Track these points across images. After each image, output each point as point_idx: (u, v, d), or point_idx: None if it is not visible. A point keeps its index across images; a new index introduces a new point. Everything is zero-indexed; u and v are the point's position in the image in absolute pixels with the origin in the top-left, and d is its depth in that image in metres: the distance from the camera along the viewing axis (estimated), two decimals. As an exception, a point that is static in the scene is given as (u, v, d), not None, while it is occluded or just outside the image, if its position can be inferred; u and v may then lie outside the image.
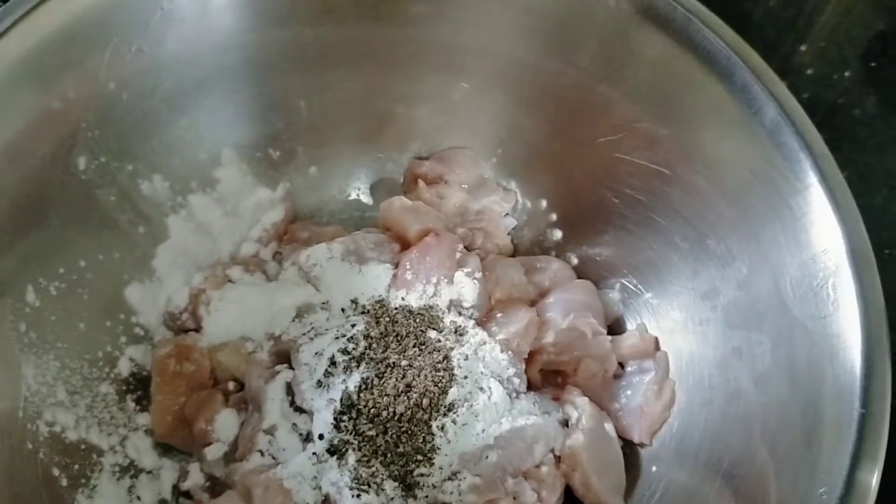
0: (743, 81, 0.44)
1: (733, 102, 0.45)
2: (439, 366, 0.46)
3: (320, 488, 0.44)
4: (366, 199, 0.59)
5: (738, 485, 0.43)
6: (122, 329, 0.51)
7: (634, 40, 0.48)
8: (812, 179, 0.42)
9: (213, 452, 0.47)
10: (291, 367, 0.48)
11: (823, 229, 0.41)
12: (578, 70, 0.50)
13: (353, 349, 0.47)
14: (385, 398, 0.45)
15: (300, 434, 0.46)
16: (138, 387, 0.51)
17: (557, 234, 0.56)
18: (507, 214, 0.57)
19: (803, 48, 0.70)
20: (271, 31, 0.51)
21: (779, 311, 0.43)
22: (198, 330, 0.51)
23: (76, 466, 0.47)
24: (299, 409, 0.47)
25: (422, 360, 0.46)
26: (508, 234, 0.57)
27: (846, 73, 0.68)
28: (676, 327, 0.50)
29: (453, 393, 0.45)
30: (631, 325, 0.52)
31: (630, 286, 0.53)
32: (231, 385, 0.50)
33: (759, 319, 0.45)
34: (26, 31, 0.44)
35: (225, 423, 0.48)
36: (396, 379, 0.45)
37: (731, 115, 0.45)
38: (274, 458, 0.46)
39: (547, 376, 0.51)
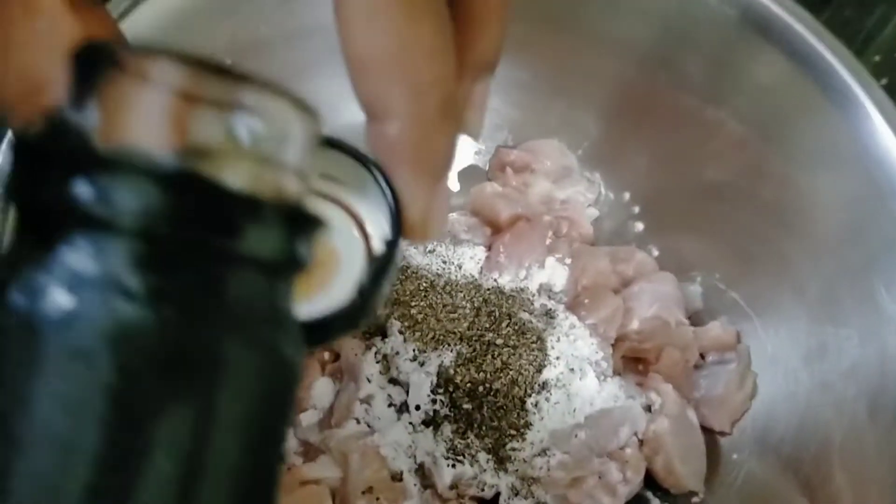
0: (847, 92, 0.46)
1: (835, 110, 0.46)
2: (534, 346, 0.48)
3: (415, 457, 0.46)
4: (452, 185, 0.61)
5: (819, 480, 0.45)
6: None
7: (737, 48, 0.49)
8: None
9: (309, 419, 0.49)
10: (385, 340, 0.50)
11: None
12: (676, 75, 0.52)
13: (449, 326, 0.48)
14: (481, 374, 0.46)
15: (394, 405, 0.48)
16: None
17: (639, 226, 0.57)
18: (590, 205, 0.58)
19: (877, 59, 0.71)
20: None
21: (869, 305, 0.45)
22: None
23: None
24: (393, 381, 0.48)
25: (516, 340, 0.48)
26: (591, 224, 0.58)
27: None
28: (760, 322, 0.51)
29: (547, 373, 0.47)
30: (712, 319, 0.54)
31: (712, 281, 0.54)
32: (326, 355, 0.51)
33: (848, 314, 0.46)
34: (148, 11, 0.45)
35: (321, 390, 0.49)
36: (492, 356, 0.47)
37: (832, 125, 0.46)
38: (370, 426, 0.47)
39: (629, 363, 0.53)
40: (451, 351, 0.47)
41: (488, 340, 0.48)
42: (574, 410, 0.47)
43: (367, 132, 0.23)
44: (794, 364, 0.49)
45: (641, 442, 0.49)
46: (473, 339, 0.48)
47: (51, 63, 0.19)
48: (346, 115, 0.56)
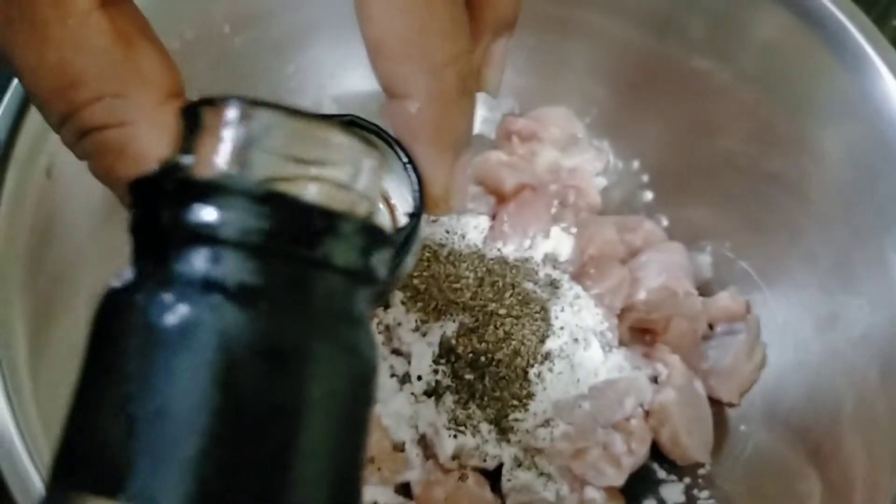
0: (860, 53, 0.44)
1: (847, 72, 0.45)
2: (537, 315, 0.47)
3: (417, 428, 0.45)
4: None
5: (830, 449, 0.44)
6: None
7: (742, 6, 0.48)
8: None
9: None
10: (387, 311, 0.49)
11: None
12: (682, 39, 0.51)
13: (451, 295, 0.48)
14: (484, 344, 0.46)
15: (396, 376, 0.47)
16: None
17: (648, 196, 0.56)
18: (598, 174, 0.57)
19: (896, 23, 0.69)
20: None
21: (880, 272, 0.43)
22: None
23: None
24: (395, 351, 0.48)
25: (519, 310, 0.47)
26: (598, 193, 0.57)
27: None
28: (770, 292, 0.50)
29: (550, 343, 0.46)
30: (721, 289, 0.53)
31: (721, 250, 0.53)
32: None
33: (858, 282, 0.45)
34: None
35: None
36: (495, 326, 0.46)
37: (844, 87, 0.45)
38: (372, 397, 0.47)
39: (636, 334, 0.52)
40: (454, 321, 0.47)
41: (491, 310, 0.47)
42: (578, 381, 0.46)
43: (388, 110, 0.24)
44: (804, 334, 0.48)
45: (647, 413, 0.48)
46: (476, 309, 0.47)
47: (84, 59, 0.21)
48: (346, 82, 0.56)
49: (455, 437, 0.44)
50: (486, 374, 0.45)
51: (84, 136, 0.22)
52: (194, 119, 0.17)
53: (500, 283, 0.48)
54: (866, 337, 0.44)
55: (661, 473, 0.48)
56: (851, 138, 0.47)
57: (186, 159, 0.17)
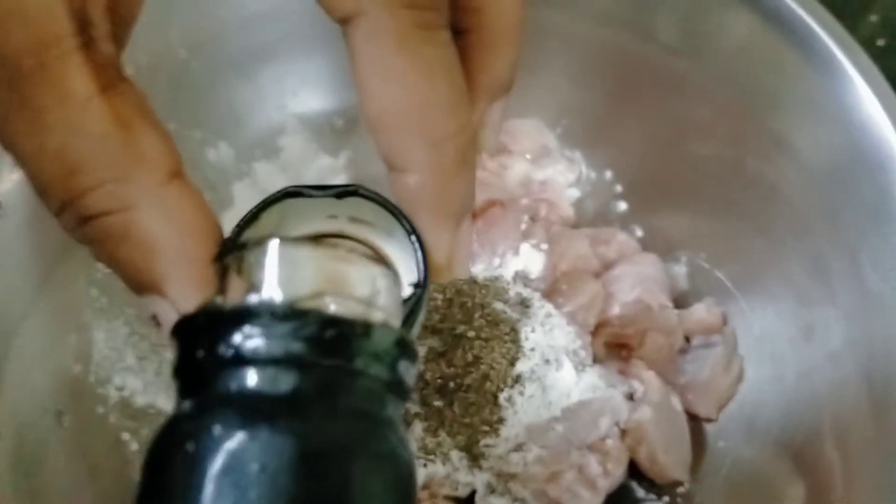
0: (829, 56, 0.43)
1: (817, 76, 0.44)
2: (507, 338, 0.46)
3: (387, 457, 0.44)
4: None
5: (809, 463, 0.43)
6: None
7: (710, 9, 0.47)
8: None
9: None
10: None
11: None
12: (652, 42, 0.50)
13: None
14: (452, 369, 0.45)
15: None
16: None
17: (622, 206, 0.55)
18: (570, 186, 0.56)
19: (874, 18, 0.68)
20: None
21: (855, 284, 0.42)
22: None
23: (145, 431, 0.47)
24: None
25: (489, 332, 0.46)
26: (571, 205, 0.56)
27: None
28: (746, 303, 0.49)
29: (521, 365, 0.45)
30: (697, 301, 0.52)
31: (697, 261, 0.52)
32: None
33: (834, 293, 0.44)
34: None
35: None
36: (464, 350, 0.45)
37: (814, 91, 0.44)
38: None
39: (610, 350, 0.51)
40: (423, 346, 0.46)
41: (460, 333, 0.46)
42: (550, 403, 0.45)
43: (389, 182, 0.24)
44: (781, 346, 0.47)
45: (624, 432, 0.47)
46: (445, 332, 0.46)
47: (85, 146, 0.21)
48: (310, 100, 0.55)
49: (425, 465, 0.43)
50: (454, 401, 0.44)
51: (85, 223, 0.22)
52: (225, 265, 0.20)
53: (470, 304, 0.47)
54: (843, 349, 0.43)
55: (640, 492, 0.47)
56: (825, 144, 0.46)
57: (221, 299, 0.19)
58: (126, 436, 0.46)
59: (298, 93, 0.53)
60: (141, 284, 0.23)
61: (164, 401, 0.49)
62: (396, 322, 0.20)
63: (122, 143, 0.22)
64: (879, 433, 0.41)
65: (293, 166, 0.55)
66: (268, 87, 0.52)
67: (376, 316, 0.19)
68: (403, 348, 0.19)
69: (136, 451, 0.46)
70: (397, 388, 0.19)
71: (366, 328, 0.18)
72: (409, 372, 0.19)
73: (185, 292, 0.22)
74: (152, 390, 0.48)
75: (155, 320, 0.24)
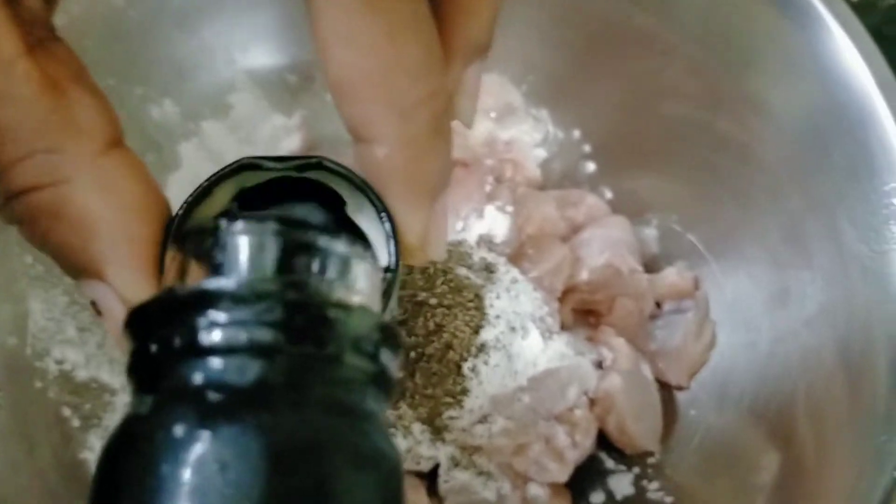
0: (806, 6, 0.41)
1: (793, 27, 0.42)
2: (471, 305, 0.43)
3: (345, 431, 0.42)
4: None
5: (783, 432, 0.42)
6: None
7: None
8: (880, 112, 0.39)
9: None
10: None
11: (889, 163, 0.39)
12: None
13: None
14: (413, 338, 0.42)
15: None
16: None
17: (591, 167, 0.53)
18: (536, 146, 0.54)
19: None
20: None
21: (833, 244, 0.41)
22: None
23: (88, 406, 0.45)
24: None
25: (451, 299, 0.44)
26: (538, 166, 0.54)
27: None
28: (718, 266, 0.48)
29: (485, 333, 0.43)
30: (668, 265, 0.50)
31: (668, 223, 0.50)
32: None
33: (811, 255, 0.42)
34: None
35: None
36: (425, 318, 0.43)
37: (790, 44, 0.42)
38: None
39: (579, 316, 0.49)
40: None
41: (421, 300, 0.44)
42: (516, 373, 0.43)
43: (355, 154, 0.22)
44: (755, 311, 0.45)
45: (592, 401, 0.45)
46: (405, 299, 0.44)
47: (10, 113, 0.19)
48: (260, 56, 0.52)
49: (385, 439, 0.41)
50: (416, 371, 0.42)
51: (13, 199, 0.20)
52: (188, 245, 0.18)
53: (431, 270, 0.45)
54: (819, 315, 0.42)
55: (610, 463, 0.46)
56: (801, 100, 0.44)
57: (177, 285, 0.18)
58: (67, 411, 0.44)
59: (248, 47, 0.50)
60: (77, 268, 0.21)
61: (108, 374, 0.46)
62: (375, 306, 0.18)
63: (53, 109, 0.19)
64: (853, 401, 0.39)
65: (244, 126, 0.52)
66: (215, 39, 0.49)
67: (352, 298, 0.17)
68: (384, 334, 0.17)
69: (78, 428, 0.44)
70: (379, 379, 0.17)
71: (340, 311, 0.17)
72: (392, 362, 0.18)
73: (126, 276, 0.20)
74: (94, 363, 0.46)
75: (94, 307, 0.21)
